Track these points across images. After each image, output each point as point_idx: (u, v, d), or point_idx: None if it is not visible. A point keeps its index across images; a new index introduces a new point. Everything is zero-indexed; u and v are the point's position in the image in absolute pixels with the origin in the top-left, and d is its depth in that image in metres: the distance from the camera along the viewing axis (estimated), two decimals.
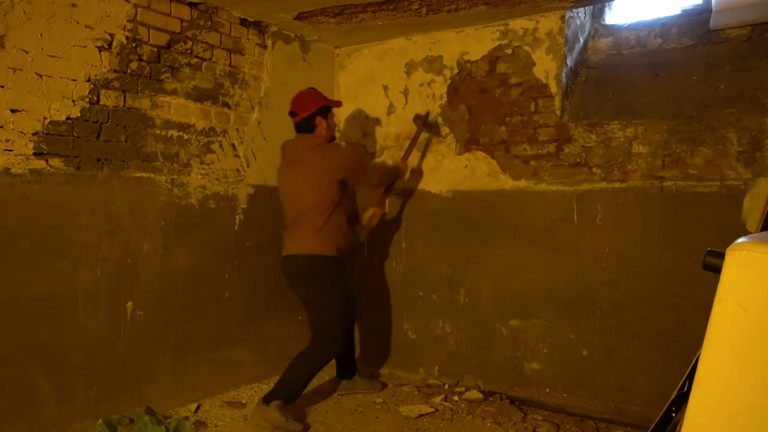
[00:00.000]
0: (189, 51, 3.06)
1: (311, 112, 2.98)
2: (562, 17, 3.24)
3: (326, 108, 3.03)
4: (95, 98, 2.66)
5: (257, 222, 3.46)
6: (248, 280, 3.43)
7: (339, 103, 3.28)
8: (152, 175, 2.92)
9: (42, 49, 2.45)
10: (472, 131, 3.55)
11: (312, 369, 2.94)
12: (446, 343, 3.63)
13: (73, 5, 2.55)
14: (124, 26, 2.75)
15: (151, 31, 2.87)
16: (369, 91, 3.95)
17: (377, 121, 3.92)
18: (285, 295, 3.30)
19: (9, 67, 2.35)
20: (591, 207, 3.14)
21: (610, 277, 3.08)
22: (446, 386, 3.54)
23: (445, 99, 3.64)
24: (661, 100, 3.10)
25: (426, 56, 3.71)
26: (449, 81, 3.62)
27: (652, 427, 1.75)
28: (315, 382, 3.50)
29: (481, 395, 3.32)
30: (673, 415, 1.69)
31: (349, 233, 3.15)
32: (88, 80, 2.63)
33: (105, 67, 2.69)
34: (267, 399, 2.83)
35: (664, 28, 3.29)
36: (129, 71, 2.79)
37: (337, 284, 3.00)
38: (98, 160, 2.69)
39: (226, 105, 3.29)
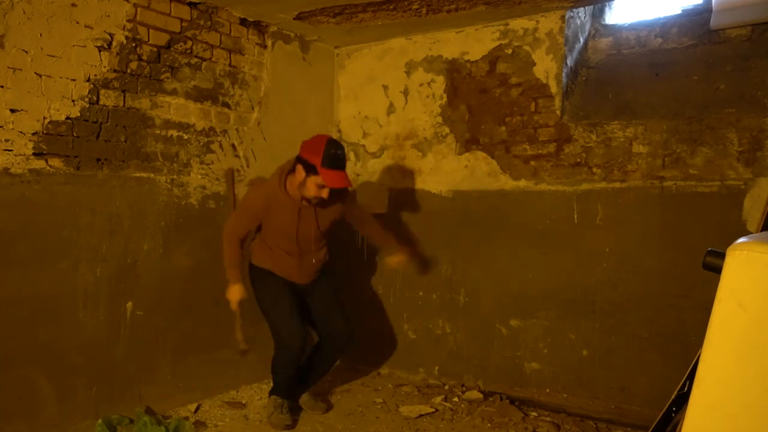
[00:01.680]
0: (189, 51, 3.06)
1: (300, 155, 2.71)
2: (562, 17, 3.24)
3: (310, 166, 2.64)
4: (95, 98, 2.66)
5: None
6: (248, 280, 3.41)
7: (329, 179, 2.64)
8: (152, 175, 2.92)
9: (42, 49, 2.45)
10: (472, 131, 3.54)
11: (278, 369, 2.97)
12: (446, 343, 3.63)
13: (73, 5, 2.55)
14: (124, 26, 2.74)
15: (150, 30, 2.87)
16: (369, 91, 3.94)
17: (377, 121, 3.92)
18: None
19: (9, 67, 2.35)
20: (591, 207, 3.14)
21: (610, 277, 3.08)
22: (446, 386, 3.54)
23: (445, 99, 3.64)
24: (661, 100, 3.10)
25: (426, 56, 3.71)
26: (449, 81, 3.62)
27: (652, 427, 1.74)
28: None
29: (481, 395, 3.32)
30: (674, 415, 1.69)
31: (291, 270, 2.92)
32: (88, 80, 2.63)
33: (105, 67, 2.68)
34: (270, 392, 3.03)
35: (664, 28, 3.29)
36: (129, 71, 2.78)
37: (276, 295, 2.90)
38: (98, 160, 2.69)
39: (226, 105, 3.29)
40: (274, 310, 2.90)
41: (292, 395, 3.02)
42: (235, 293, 2.87)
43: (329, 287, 3.08)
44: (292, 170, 2.76)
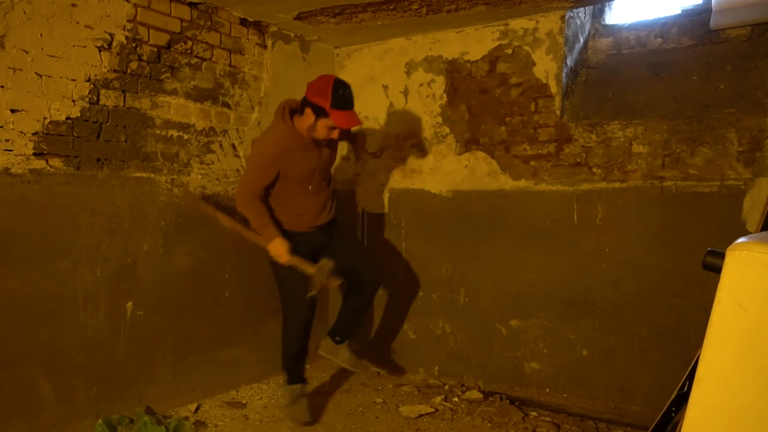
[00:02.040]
0: (189, 51, 3.06)
1: (307, 98, 2.68)
2: (562, 17, 3.24)
3: (320, 109, 2.62)
4: (95, 98, 2.66)
5: None
6: (248, 280, 3.43)
7: (340, 120, 2.64)
8: (152, 175, 2.92)
9: (42, 49, 2.45)
10: (472, 131, 3.55)
11: (285, 346, 3.00)
12: (446, 343, 3.63)
13: (73, 5, 2.55)
14: (124, 26, 2.75)
15: (151, 31, 2.87)
16: (369, 91, 3.94)
17: (377, 121, 3.92)
18: None
19: (9, 67, 2.35)
20: (591, 207, 3.14)
21: (610, 277, 3.08)
22: (446, 386, 3.54)
23: (445, 99, 3.64)
24: (661, 100, 3.10)
25: (426, 56, 3.71)
26: (449, 81, 3.62)
27: (652, 427, 1.75)
28: (315, 383, 3.51)
29: (481, 395, 3.32)
30: (673, 415, 1.70)
31: (309, 212, 2.90)
32: (88, 80, 2.63)
33: (105, 67, 2.69)
34: (285, 381, 3.03)
35: (664, 28, 3.29)
36: (129, 71, 2.78)
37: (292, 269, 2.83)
38: (98, 160, 2.69)
39: (226, 105, 3.29)
40: (291, 289, 2.88)
41: (304, 378, 3.05)
42: (280, 245, 2.73)
43: (344, 235, 3.11)
44: (299, 112, 2.73)
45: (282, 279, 2.93)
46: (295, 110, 2.78)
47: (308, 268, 2.75)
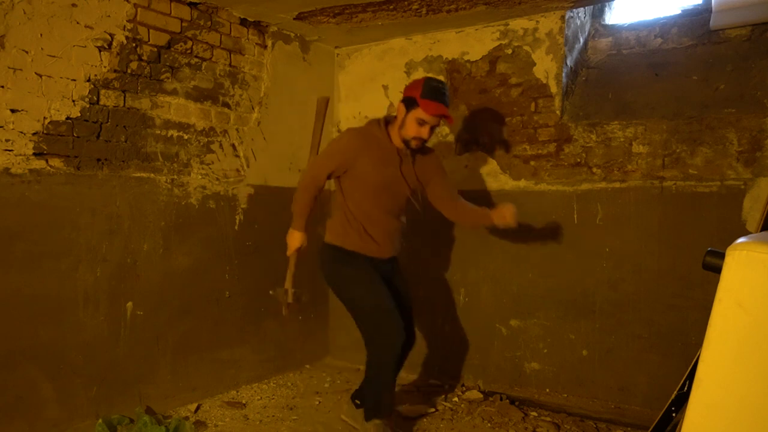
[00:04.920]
0: (189, 51, 3.06)
1: (403, 95, 2.59)
2: (562, 17, 3.24)
3: (410, 99, 2.53)
4: (95, 98, 2.66)
5: (257, 222, 3.46)
6: (248, 280, 3.43)
7: (428, 107, 2.49)
8: (152, 175, 2.92)
9: (42, 49, 2.45)
10: (472, 131, 3.54)
11: (378, 377, 2.64)
12: (446, 343, 3.63)
13: (73, 5, 2.55)
14: (124, 26, 2.75)
15: (151, 31, 2.87)
16: (369, 91, 3.94)
17: None
18: None
19: (9, 67, 2.35)
20: (591, 207, 3.14)
21: (610, 277, 3.08)
22: (446, 386, 3.54)
23: None
24: (661, 100, 3.10)
25: (426, 56, 3.71)
26: (449, 81, 3.62)
27: (652, 427, 1.75)
28: (315, 383, 3.51)
29: (481, 395, 3.32)
30: (673, 415, 1.70)
31: (376, 236, 2.66)
32: (88, 80, 2.63)
33: (105, 67, 2.69)
34: (352, 396, 2.85)
35: (664, 28, 3.29)
36: (129, 71, 2.78)
37: (370, 281, 2.59)
38: (98, 160, 2.69)
39: (226, 105, 3.29)
40: (372, 299, 2.55)
41: (392, 410, 2.71)
42: (295, 239, 2.65)
43: (403, 277, 2.85)
44: (393, 119, 2.63)
45: (352, 299, 2.64)
46: (389, 121, 2.67)
47: (288, 279, 2.70)
